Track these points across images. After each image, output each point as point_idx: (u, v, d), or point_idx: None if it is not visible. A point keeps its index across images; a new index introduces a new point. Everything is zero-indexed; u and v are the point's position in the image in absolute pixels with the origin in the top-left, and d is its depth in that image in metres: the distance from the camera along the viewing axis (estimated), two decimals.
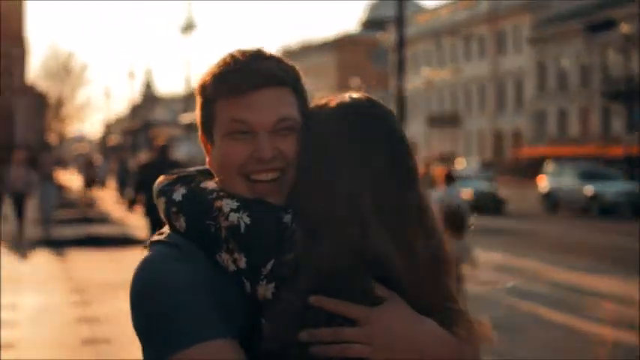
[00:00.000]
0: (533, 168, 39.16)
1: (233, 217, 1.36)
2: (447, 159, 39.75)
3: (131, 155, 33.78)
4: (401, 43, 17.82)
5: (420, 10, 67.23)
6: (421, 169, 10.53)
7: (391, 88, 46.55)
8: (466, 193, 12.03)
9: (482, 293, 9.81)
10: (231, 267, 1.36)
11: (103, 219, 21.02)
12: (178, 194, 1.42)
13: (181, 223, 1.40)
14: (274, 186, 1.42)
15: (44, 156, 18.69)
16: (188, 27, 45.52)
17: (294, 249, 1.34)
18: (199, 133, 1.51)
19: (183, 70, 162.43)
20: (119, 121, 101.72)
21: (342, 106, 1.43)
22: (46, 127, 57.38)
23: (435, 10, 61.26)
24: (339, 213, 1.36)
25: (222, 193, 1.40)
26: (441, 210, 8.88)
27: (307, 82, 1.50)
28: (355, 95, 1.45)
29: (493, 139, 54.25)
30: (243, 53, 1.46)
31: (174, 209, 1.41)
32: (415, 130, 56.21)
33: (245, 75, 1.42)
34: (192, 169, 1.53)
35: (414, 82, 57.68)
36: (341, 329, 1.31)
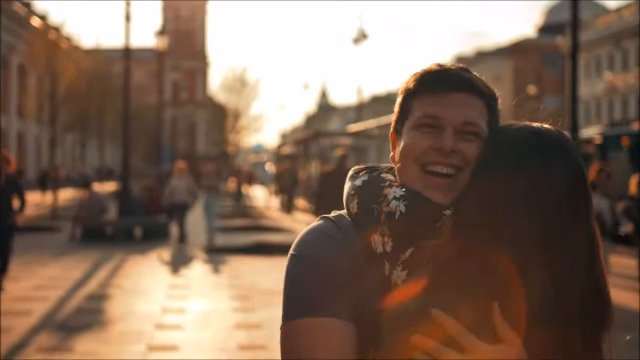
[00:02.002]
0: None
1: (393, 204, 1.47)
2: None
3: (303, 165, 34.56)
4: (575, 48, 16.94)
5: (602, 11, 63.98)
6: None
7: (567, 94, 44.60)
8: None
9: None
10: (380, 249, 1.46)
11: (273, 227, 21.63)
12: (360, 180, 1.55)
13: (354, 205, 1.52)
14: (447, 181, 1.48)
15: (207, 167, 19.25)
16: (360, 38, 46.03)
17: (438, 238, 1.40)
18: (390, 131, 1.62)
19: (356, 80, 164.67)
20: (294, 130, 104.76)
21: (528, 131, 1.45)
22: (225, 139, 60.22)
23: (618, 10, 58.03)
24: (494, 233, 1.36)
25: (395, 183, 1.51)
26: None
27: None
28: (545, 125, 1.48)
29: None
30: (450, 64, 1.59)
31: (352, 192, 1.54)
32: None
33: (446, 77, 1.54)
34: (383, 165, 1.63)
35: (596, 87, 54.94)
36: (447, 350, 1.31)
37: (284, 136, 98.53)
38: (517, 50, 67.95)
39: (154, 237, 17.98)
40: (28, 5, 47.64)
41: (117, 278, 12.27)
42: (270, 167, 60.86)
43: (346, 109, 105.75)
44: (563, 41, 55.66)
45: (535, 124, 1.47)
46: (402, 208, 1.46)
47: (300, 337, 1.44)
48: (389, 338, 1.38)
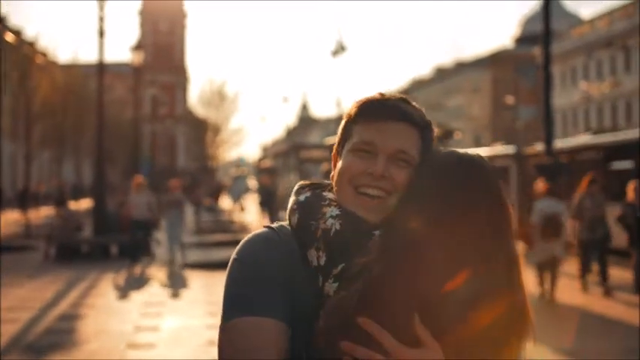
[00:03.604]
0: None
1: (330, 222, 1.58)
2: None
3: (282, 178, 34.50)
4: (547, 59, 17.10)
5: (578, 22, 64.66)
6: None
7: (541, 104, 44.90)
8: None
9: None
10: (314, 262, 1.57)
11: None
12: (303, 196, 1.67)
13: (295, 218, 1.64)
14: (376, 203, 1.60)
15: (172, 182, 18.37)
16: (339, 50, 46.11)
17: (367, 256, 1.49)
18: (333, 151, 1.73)
19: (336, 92, 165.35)
20: (275, 143, 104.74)
21: (454, 157, 1.56)
22: (205, 153, 60.08)
23: (592, 21, 58.71)
24: (418, 254, 1.44)
25: (333, 202, 1.63)
26: (542, 217, 11.16)
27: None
28: (469, 152, 1.59)
29: None
30: (391, 94, 1.71)
31: (295, 207, 1.65)
32: None
33: (385, 107, 1.65)
34: (326, 181, 1.74)
35: (572, 96, 55.44)
36: (374, 355, 1.41)
37: (265, 149, 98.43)
38: (495, 61, 68.43)
39: (130, 254, 17.71)
40: (1, 20, 47.30)
41: (91, 297, 12.14)
42: (251, 181, 60.75)
43: (327, 122, 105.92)
44: (538, 52, 56.17)
45: (460, 151, 1.58)
46: (337, 226, 1.57)
47: (232, 335, 1.52)
48: (323, 343, 1.47)
